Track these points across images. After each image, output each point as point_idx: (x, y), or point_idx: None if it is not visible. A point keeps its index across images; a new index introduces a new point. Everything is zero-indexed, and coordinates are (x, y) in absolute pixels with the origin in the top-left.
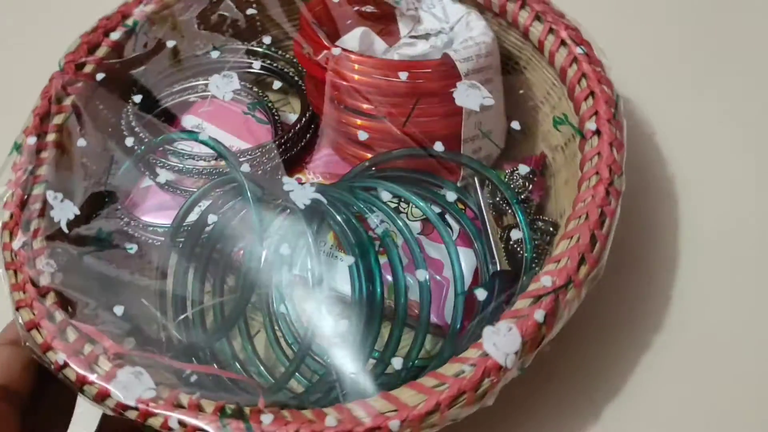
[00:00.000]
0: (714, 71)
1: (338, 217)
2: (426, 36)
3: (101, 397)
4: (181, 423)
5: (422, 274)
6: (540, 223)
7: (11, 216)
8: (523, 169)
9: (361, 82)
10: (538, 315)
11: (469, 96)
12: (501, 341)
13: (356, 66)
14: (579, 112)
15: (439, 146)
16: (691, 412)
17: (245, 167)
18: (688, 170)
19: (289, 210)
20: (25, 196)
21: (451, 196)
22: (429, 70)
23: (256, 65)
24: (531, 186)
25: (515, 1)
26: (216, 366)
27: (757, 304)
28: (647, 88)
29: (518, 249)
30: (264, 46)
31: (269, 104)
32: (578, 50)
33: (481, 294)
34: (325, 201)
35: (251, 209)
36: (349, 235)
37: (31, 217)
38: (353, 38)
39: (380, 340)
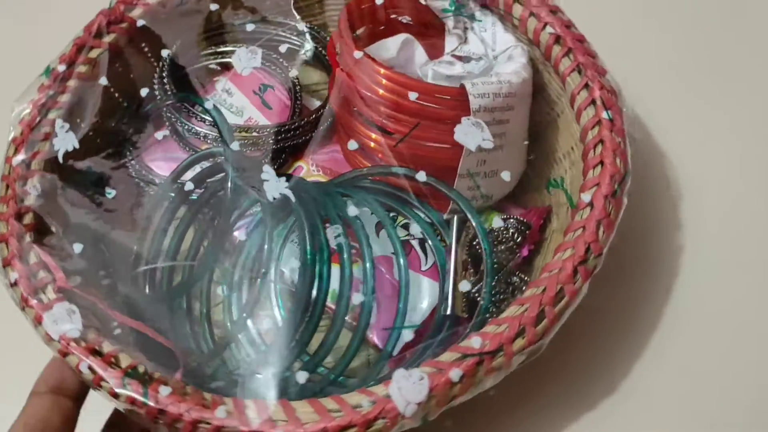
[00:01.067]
0: (718, 73)
1: (303, 218)
2: (468, 59)
3: (36, 322)
4: (90, 369)
5: (358, 298)
6: (515, 279)
7: (21, 133)
8: (518, 219)
9: (370, 89)
10: (454, 374)
11: (468, 134)
12: (407, 387)
13: (369, 74)
14: (585, 177)
15: (421, 175)
16: (689, 410)
17: (235, 145)
18: (690, 171)
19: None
20: (39, 119)
21: (429, 225)
22: (440, 97)
23: (307, 46)
24: (520, 239)
25: (562, 46)
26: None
27: (758, 305)
28: (650, 89)
29: (478, 297)
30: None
31: (296, 84)
32: (604, 114)
33: (407, 335)
34: (293, 199)
35: (226, 189)
36: (306, 238)
37: (36, 138)
38: (393, 44)
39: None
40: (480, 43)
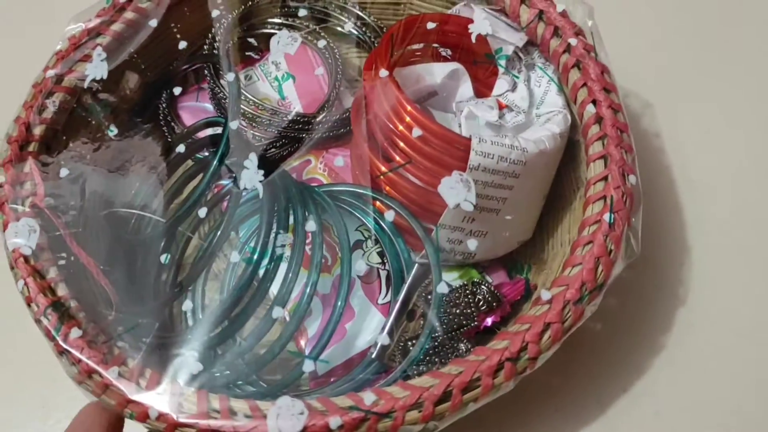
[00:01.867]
0: (722, 71)
1: (263, 216)
2: (509, 108)
3: (3, 228)
4: (25, 288)
5: (278, 311)
6: (461, 345)
7: (65, 49)
8: (490, 288)
9: (381, 110)
10: (334, 422)
11: (453, 189)
12: (285, 417)
13: (387, 96)
14: (561, 273)
15: (390, 215)
16: (700, 413)
17: (234, 124)
18: (696, 171)
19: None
20: (84, 39)
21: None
22: (444, 142)
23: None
24: (485, 307)
25: (599, 128)
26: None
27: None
28: (656, 89)
29: (410, 348)
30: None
31: (338, 80)
32: (606, 217)
33: (307, 366)
34: (260, 194)
35: (210, 168)
36: (262, 233)
37: (76, 57)
38: (440, 70)
39: None
40: (527, 96)
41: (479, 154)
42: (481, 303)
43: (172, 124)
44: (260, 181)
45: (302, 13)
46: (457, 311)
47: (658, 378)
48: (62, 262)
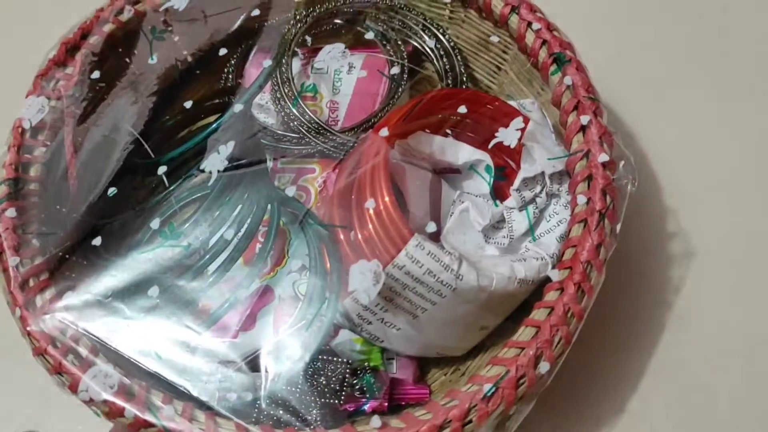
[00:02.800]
0: (713, 80)
1: (214, 204)
2: (502, 224)
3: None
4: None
5: None
6: (315, 413)
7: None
8: (371, 380)
9: (358, 168)
10: None
11: (360, 275)
12: None
13: (374, 155)
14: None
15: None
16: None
17: (238, 107)
18: (687, 180)
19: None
20: None
21: None
22: (385, 223)
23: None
24: (347, 392)
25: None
26: None
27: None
28: (646, 98)
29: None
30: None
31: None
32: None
33: None
34: (210, 181)
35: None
36: (200, 219)
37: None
38: (468, 155)
39: None
40: (528, 225)
41: (409, 257)
42: (343, 387)
43: (230, 76)
44: (219, 171)
45: (369, 35)
46: (326, 389)
47: (654, 396)
48: (48, 145)
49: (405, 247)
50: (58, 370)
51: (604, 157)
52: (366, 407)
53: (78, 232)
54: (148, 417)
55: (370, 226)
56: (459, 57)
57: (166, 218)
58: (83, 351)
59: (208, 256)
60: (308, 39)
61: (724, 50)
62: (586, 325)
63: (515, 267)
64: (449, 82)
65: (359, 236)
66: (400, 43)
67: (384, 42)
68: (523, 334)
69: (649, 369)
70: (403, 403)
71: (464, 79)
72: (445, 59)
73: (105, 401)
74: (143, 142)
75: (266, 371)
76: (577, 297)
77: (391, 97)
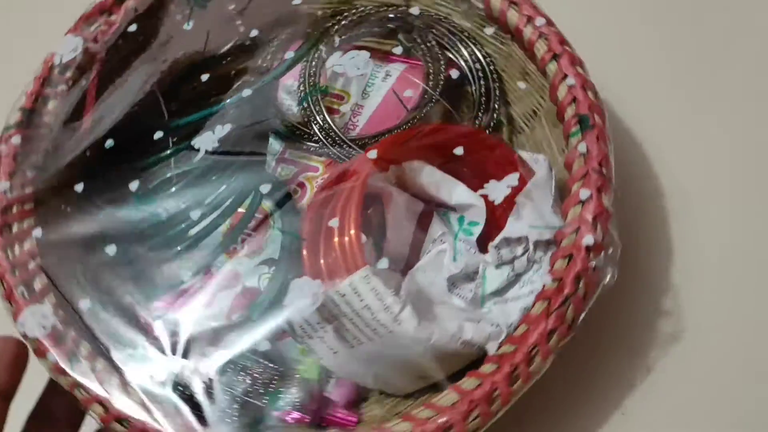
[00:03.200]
0: (715, 80)
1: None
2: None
3: None
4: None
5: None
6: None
7: None
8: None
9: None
10: None
11: (302, 291)
12: None
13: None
14: None
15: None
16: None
17: (247, 92)
18: (687, 181)
19: None
20: None
21: None
22: (344, 249)
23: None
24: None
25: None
26: None
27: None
28: (643, 99)
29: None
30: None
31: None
32: None
33: None
34: (194, 159)
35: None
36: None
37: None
38: (463, 196)
39: None
40: (498, 282)
41: (352, 287)
42: (267, 390)
43: (268, 56)
44: (207, 150)
45: (398, 51)
46: (249, 380)
47: (651, 399)
48: (72, 84)
49: (352, 276)
50: (8, 297)
51: (589, 240)
52: (288, 417)
53: (70, 174)
54: (66, 366)
55: (329, 245)
56: (497, 85)
57: (147, 183)
58: (37, 286)
59: (171, 231)
60: (336, 39)
61: (728, 51)
62: (585, 324)
63: (465, 326)
64: (482, 109)
65: (319, 251)
66: (442, 61)
67: (428, 58)
68: (445, 398)
69: (648, 370)
70: (326, 424)
71: (497, 106)
72: (482, 81)
73: (36, 339)
74: (161, 102)
75: (198, 354)
76: (510, 379)
77: (413, 117)
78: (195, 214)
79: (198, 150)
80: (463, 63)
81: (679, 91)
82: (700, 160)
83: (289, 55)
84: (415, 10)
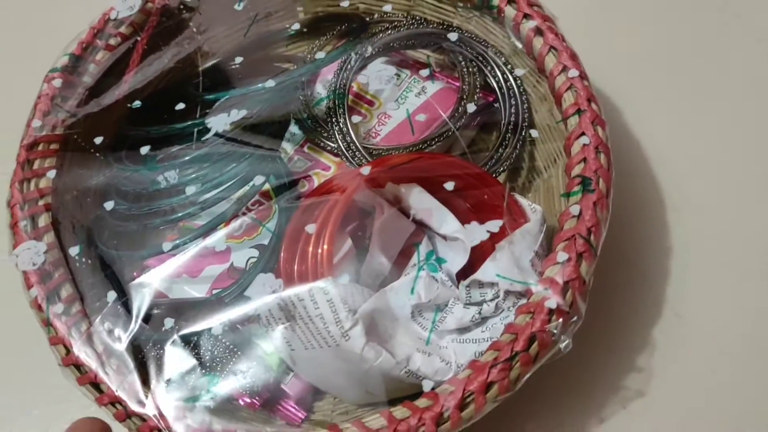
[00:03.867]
0: (715, 80)
1: (201, 159)
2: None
3: None
4: None
5: None
6: None
7: None
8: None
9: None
10: None
11: (263, 288)
12: None
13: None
14: None
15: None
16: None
17: (270, 83)
18: (687, 180)
19: None
20: None
21: None
22: (315, 261)
23: None
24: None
25: None
26: None
27: (760, 314)
28: (641, 94)
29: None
30: None
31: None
32: None
33: None
34: (203, 138)
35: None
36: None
37: None
38: (452, 227)
39: None
40: (462, 321)
41: (310, 294)
42: (223, 371)
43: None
44: (217, 132)
45: (425, 73)
46: (207, 357)
47: (656, 394)
48: (122, 39)
49: (312, 284)
50: (12, 227)
51: (552, 303)
52: (240, 399)
53: (96, 126)
54: (43, 303)
55: (304, 251)
56: (527, 116)
57: (157, 151)
58: (39, 223)
59: (164, 201)
60: (369, 48)
61: (727, 50)
62: (587, 323)
63: (414, 356)
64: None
65: (295, 255)
66: (478, 87)
67: (465, 79)
68: (374, 421)
69: (649, 368)
70: (274, 414)
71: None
72: (513, 109)
73: (24, 272)
74: (199, 75)
75: (162, 320)
76: (439, 419)
77: (433, 138)
78: (190, 190)
79: (210, 129)
80: (497, 89)
81: (681, 89)
82: (700, 158)
83: (320, 55)
84: (453, 36)
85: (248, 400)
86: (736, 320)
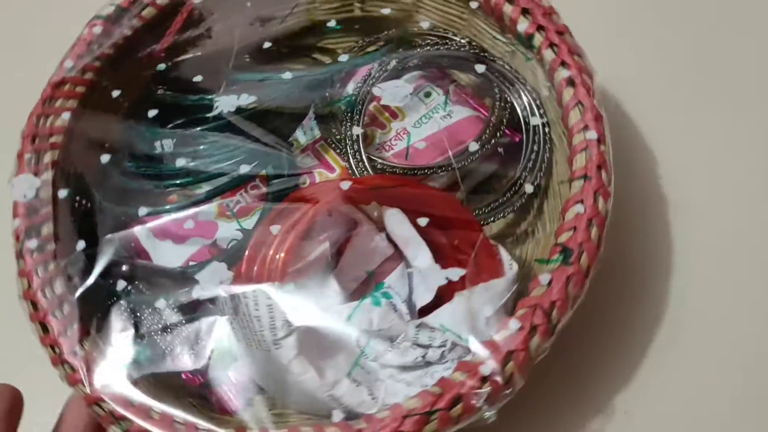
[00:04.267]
0: (717, 85)
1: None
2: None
3: None
4: None
5: None
6: None
7: None
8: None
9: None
10: None
11: (214, 274)
12: None
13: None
14: None
15: None
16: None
17: (287, 75)
18: (688, 186)
19: None
20: None
21: None
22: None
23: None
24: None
25: None
26: None
27: (759, 319)
28: (643, 98)
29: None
30: None
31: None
32: None
33: None
34: (209, 114)
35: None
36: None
37: None
38: (424, 259)
39: None
40: (403, 361)
41: (253, 295)
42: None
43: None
44: (222, 112)
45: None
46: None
47: (654, 398)
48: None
49: (260, 285)
50: (18, 156)
51: (487, 369)
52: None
53: (121, 79)
54: (21, 235)
55: (266, 253)
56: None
57: (163, 116)
58: (44, 160)
59: (154, 167)
60: (393, 62)
61: (732, 57)
62: (586, 327)
63: (342, 382)
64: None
65: (258, 255)
66: (504, 124)
67: (495, 112)
68: None
69: (648, 372)
70: (211, 396)
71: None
72: (533, 155)
73: (15, 201)
74: (233, 52)
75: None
76: None
77: (440, 167)
78: (180, 163)
79: (216, 107)
80: (524, 131)
81: (684, 95)
82: (702, 164)
83: (343, 58)
84: (480, 68)
85: (191, 377)
86: (734, 325)
